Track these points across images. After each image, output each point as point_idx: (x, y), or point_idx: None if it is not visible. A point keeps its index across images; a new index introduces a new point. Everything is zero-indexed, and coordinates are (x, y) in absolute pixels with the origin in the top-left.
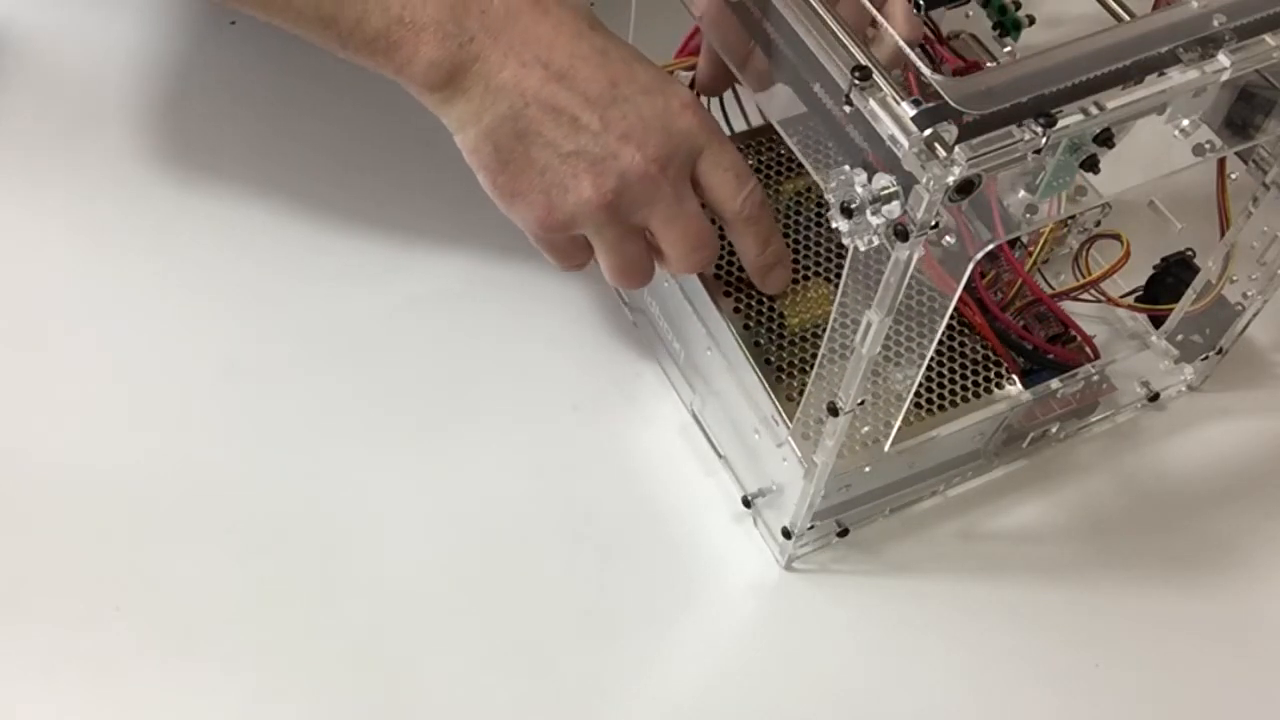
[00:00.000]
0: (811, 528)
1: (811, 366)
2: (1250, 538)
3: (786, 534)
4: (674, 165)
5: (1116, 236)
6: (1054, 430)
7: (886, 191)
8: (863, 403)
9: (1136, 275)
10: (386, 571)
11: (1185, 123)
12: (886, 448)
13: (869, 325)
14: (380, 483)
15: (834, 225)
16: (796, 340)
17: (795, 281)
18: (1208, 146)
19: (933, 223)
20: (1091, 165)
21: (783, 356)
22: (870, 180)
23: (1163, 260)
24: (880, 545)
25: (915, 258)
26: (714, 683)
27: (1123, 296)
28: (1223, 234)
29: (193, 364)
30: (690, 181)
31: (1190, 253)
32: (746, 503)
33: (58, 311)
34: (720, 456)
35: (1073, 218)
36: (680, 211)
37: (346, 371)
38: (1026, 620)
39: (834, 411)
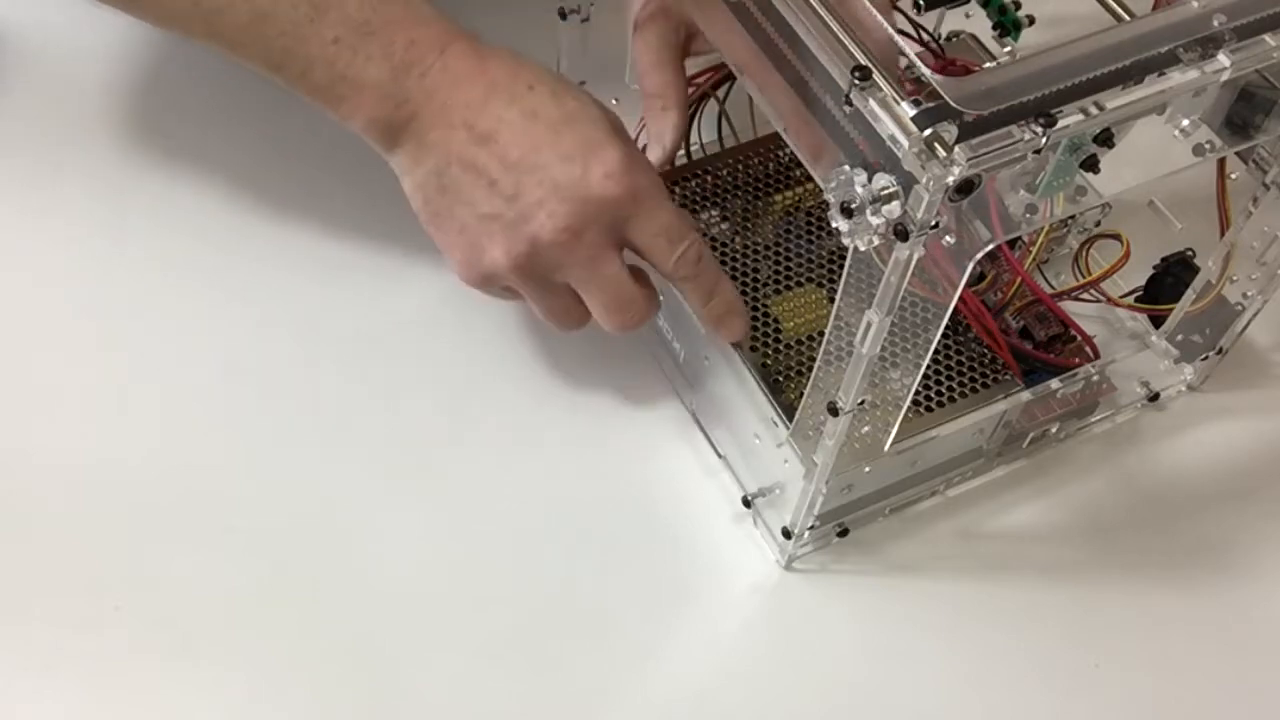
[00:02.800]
0: (813, 527)
1: (809, 370)
2: (1250, 538)
3: (787, 534)
4: (590, 233)
5: (1116, 236)
6: (1054, 430)
7: (886, 191)
8: (863, 403)
9: (1136, 275)
10: (386, 572)
11: (1185, 123)
12: (886, 448)
13: (869, 325)
14: (379, 483)
15: (834, 225)
16: (793, 344)
17: (790, 288)
18: (1207, 146)
19: (933, 223)
20: (1091, 165)
21: (780, 361)
22: (870, 180)
23: (1163, 260)
24: (880, 545)
25: (915, 258)
26: (714, 683)
27: (1123, 296)
28: (1223, 234)
29: (193, 364)
30: (620, 244)
31: (1190, 253)
32: (747, 503)
33: (57, 311)
34: (720, 457)
35: (1073, 218)
36: (596, 276)
37: (346, 372)
38: (1026, 620)
39: (834, 412)
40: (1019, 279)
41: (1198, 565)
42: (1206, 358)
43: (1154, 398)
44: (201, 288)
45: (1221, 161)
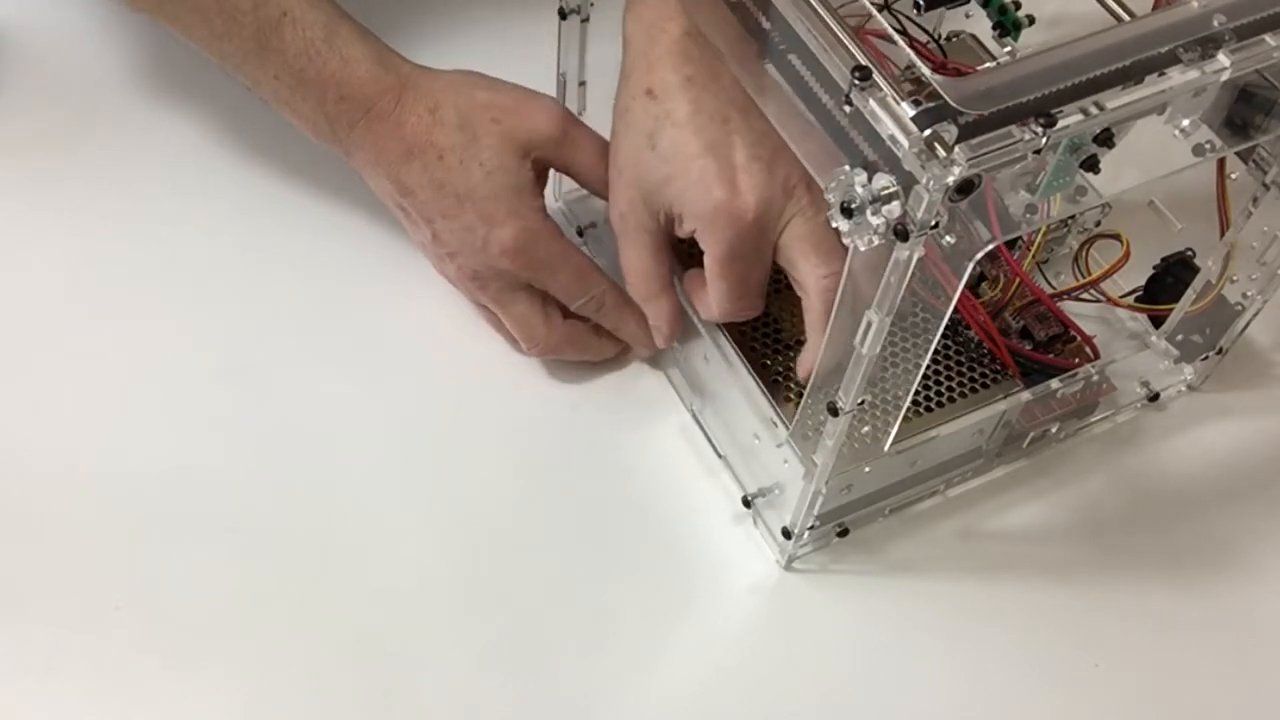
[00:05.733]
0: (812, 527)
1: None
2: (1250, 538)
3: (787, 534)
4: (494, 283)
5: (1116, 236)
6: (1054, 430)
7: (886, 191)
8: (863, 403)
9: (1136, 275)
10: (386, 572)
11: (1185, 123)
12: (886, 448)
13: (869, 325)
14: (380, 483)
15: (833, 225)
16: (793, 345)
17: (789, 288)
18: (1207, 146)
19: (933, 223)
20: (1092, 165)
21: (779, 361)
22: (870, 180)
23: (1163, 260)
24: (880, 545)
25: (915, 258)
26: (714, 682)
27: (1122, 296)
28: (1222, 234)
29: (193, 364)
30: (528, 286)
31: (1190, 253)
32: (746, 503)
33: (57, 311)
34: (720, 457)
35: (1072, 218)
36: (506, 313)
37: (347, 372)
38: (1026, 620)
39: (834, 412)
40: (1018, 279)
41: (1198, 565)
42: (1206, 358)
43: (1154, 398)
44: (202, 287)
45: (1221, 162)
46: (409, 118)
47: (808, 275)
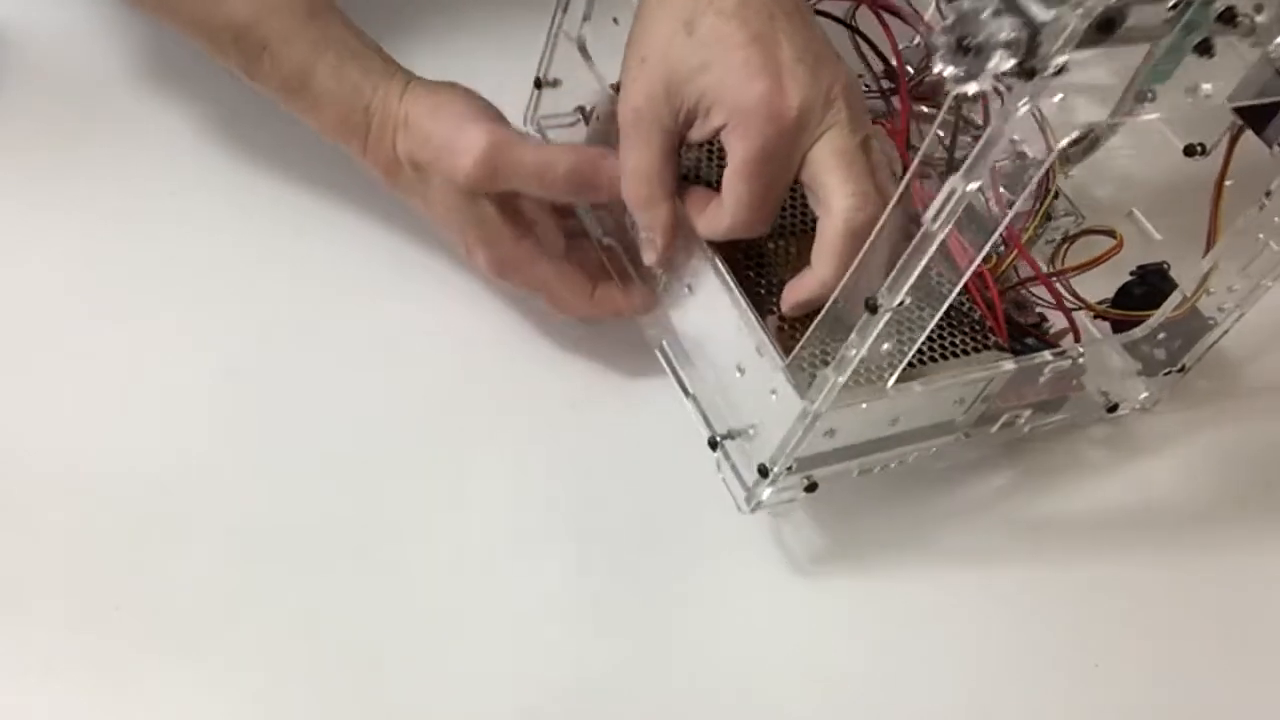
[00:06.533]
0: (790, 469)
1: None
2: (1251, 537)
3: (764, 472)
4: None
5: (1110, 233)
6: (1021, 420)
7: (1012, 33)
8: (903, 304)
9: (1107, 288)
10: (387, 571)
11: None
12: (890, 383)
13: (951, 194)
14: (380, 482)
15: (939, 68)
16: (776, 286)
17: (784, 237)
18: (1199, 148)
19: (1059, 66)
20: (1206, 49)
21: (771, 301)
22: (996, 15)
23: (1139, 268)
24: (880, 544)
25: (1025, 111)
26: (715, 682)
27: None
28: (1210, 244)
29: (194, 363)
30: None
31: (1166, 265)
32: (714, 444)
33: (58, 311)
34: (688, 395)
35: (1049, 219)
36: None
37: (347, 371)
38: (1026, 620)
39: (872, 308)
40: (1000, 263)
41: (1198, 564)
42: (1169, 372)
43: (1112, 409)
44: (203, 286)
45: (1224, 168)
46: (378, 159)
47: (834, 192)
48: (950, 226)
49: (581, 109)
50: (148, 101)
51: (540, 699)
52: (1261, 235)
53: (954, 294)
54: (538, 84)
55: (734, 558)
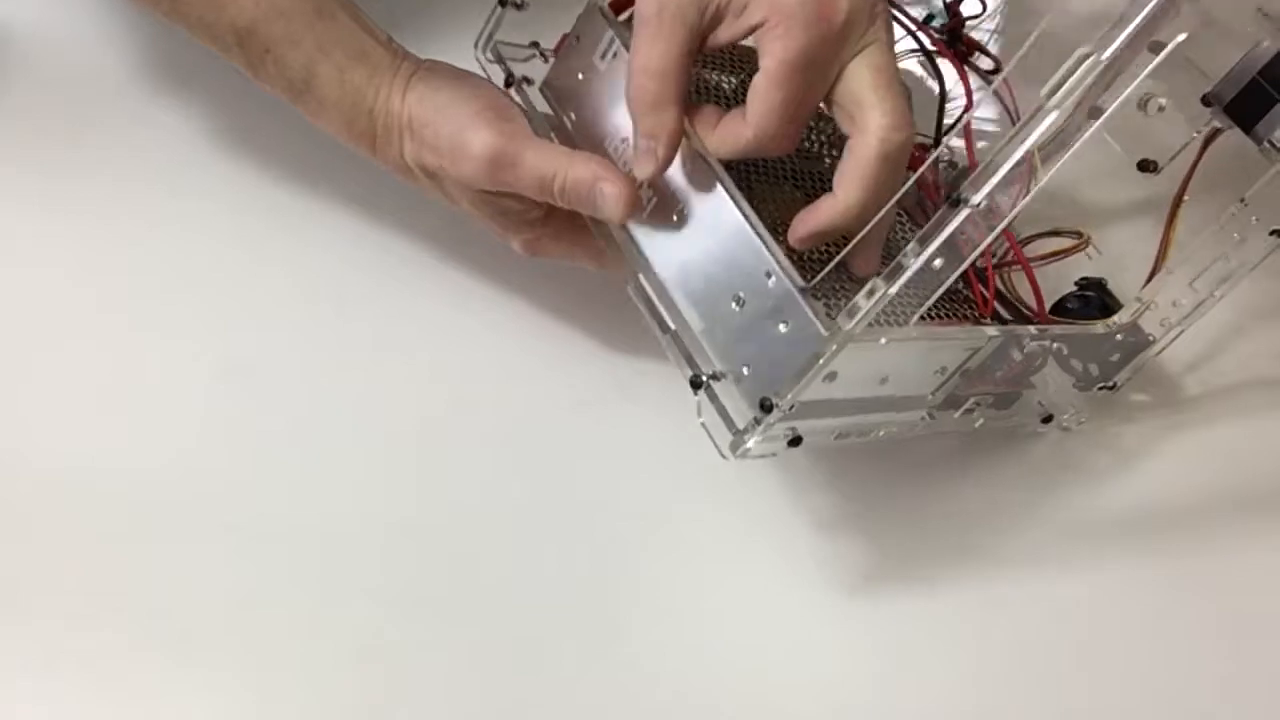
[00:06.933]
0: (790, 410)
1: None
2: (1251, 537)
3: (766, 406)
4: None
5: (1077, 233)
6: (976, 412)
7: None
8: (980, 206)
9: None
10: (387, 571)
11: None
12: (913, 321)
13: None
14: (380, 482)
15: None
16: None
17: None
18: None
19: None
20: None
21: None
22: None
23: (1083, 279)
24: (880, 542)
25: None
26: (716, 682)
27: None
28: (1160, 257)
29: (194, 363)
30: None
31: (1104, 280)
32: (697, 384)
33: (58, 310)
34: (666, 332)
35: None
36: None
37: (347, 370)
38: (1025, 620)
39: (955, 202)
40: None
41: (1197, 565)
42: (1102, 388)
43: (1048, 419)
44: (204, 285)
45: (1185, 181)
46: (388, 162)
47: (872, 109)
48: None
49: (537, 44)
50: (149, 101)
51: (541, 699)
52: (1237, 234)
53: (977, 253)
54: (501, 2)
55: (737, 555)
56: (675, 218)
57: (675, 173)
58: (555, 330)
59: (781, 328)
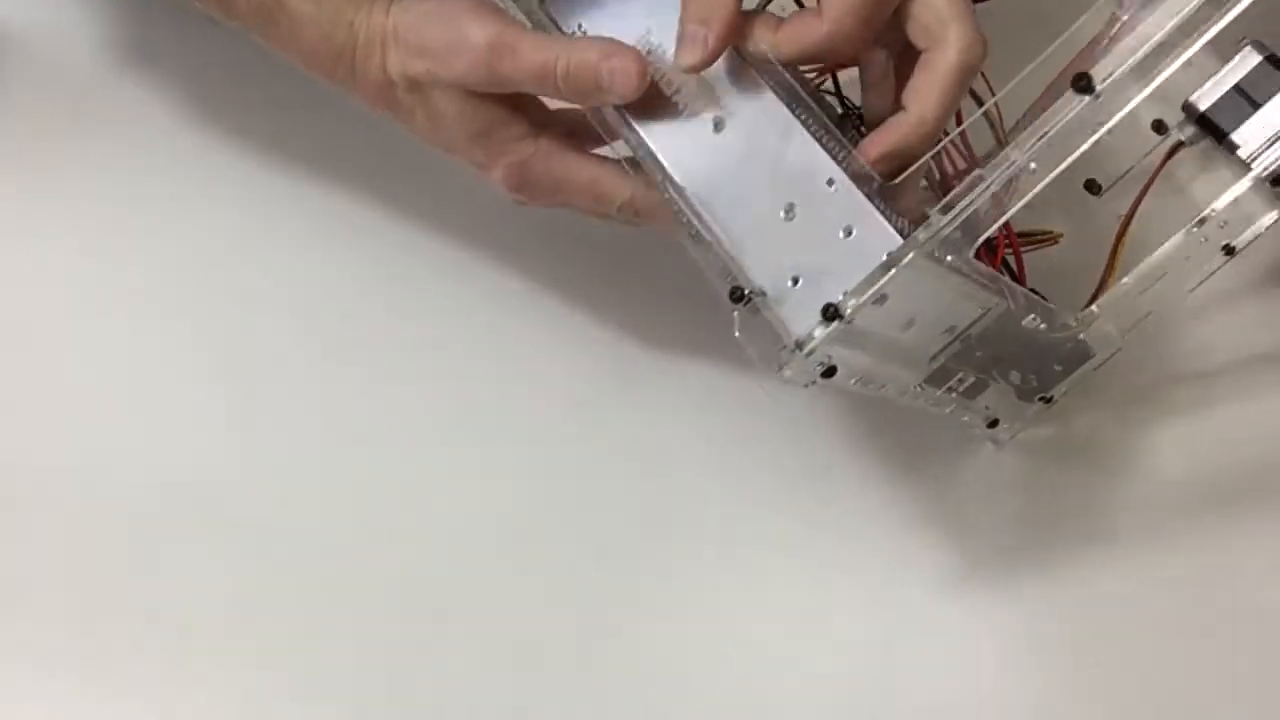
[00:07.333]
0: (850, 323)
1: None
2: (1251, 537)
3: (832, 315)
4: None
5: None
6: (953, 395)
7: None
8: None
9: None
10: (388, 571)
11: None
12: (970, 251)
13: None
14: (381, 481)
15: None
16: None
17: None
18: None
19: None
20: None
21: None
22: None
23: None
24: (880, 540)
25: None
26: (717, 682)
27: None
28: (1110, 269)
29: (193, 361)
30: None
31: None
32: (739, 298)
33: (57, 309)
34: (703, 242)
35: None
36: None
37: (348, 370)
38: (1024, 619)
39: (1084, 89)
40: None
41: (1197, 565)
42: (1041, 398)
43: (993, 424)
44: (203, 283)
45: (1137, 200)
46: (368, 81)
47: (954, 22)
48: None
49: None
50: (146, 99)
51: (542, 699)
52: (1206, 239)
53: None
54: None
55: (738, 553)
56: (714, 125)
57: (716, 72)
58: (556, 329)
59: (841, 234)
